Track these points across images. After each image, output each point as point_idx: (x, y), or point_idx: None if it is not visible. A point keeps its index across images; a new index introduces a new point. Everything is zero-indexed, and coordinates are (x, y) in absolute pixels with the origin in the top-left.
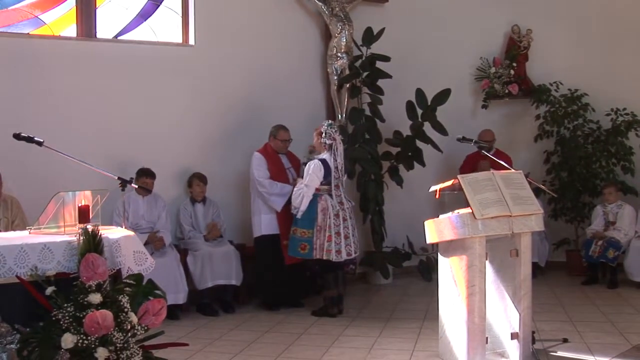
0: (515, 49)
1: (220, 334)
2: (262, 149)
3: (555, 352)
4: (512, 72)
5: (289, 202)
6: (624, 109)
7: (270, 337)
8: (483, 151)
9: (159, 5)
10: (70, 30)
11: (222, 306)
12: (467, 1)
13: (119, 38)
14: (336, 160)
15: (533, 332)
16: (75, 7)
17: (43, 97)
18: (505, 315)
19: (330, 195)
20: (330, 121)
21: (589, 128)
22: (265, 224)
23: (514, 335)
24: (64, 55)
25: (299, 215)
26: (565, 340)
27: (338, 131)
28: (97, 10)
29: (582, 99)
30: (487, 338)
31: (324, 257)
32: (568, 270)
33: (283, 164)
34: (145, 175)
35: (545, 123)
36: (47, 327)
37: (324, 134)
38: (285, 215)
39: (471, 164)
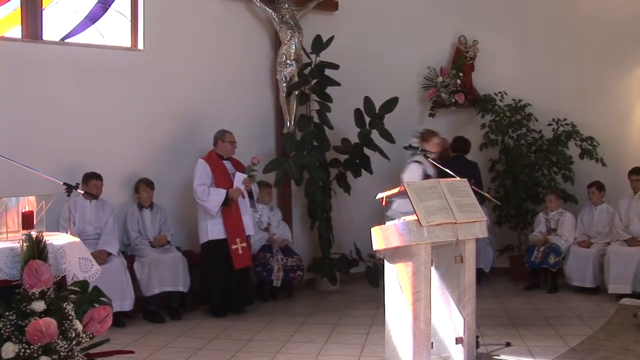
0: (462, 59)
1: (167, 341)
2: (207, 156)
3: (499, 355)
4: (458, 81)
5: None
6: (565, 120)
7: (218, 344)
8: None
9: (107, 9)
10: (15, 31)
11: (169, 313)
12: (415, 12)
13: (66, 41)
14: None
15: (477, 337)
16: (20, 8)
17: None
18: (450, 320)
19: None
20: None
21: (532, 137)
22: (212, 230)
23: (458, 340)
24: (8, 56)
25: None
26: (508, 344)
27: None
28: (44, 12)
29: (526, 109)
30: (432, 343)
31: None
32: (512, 275)
33: (227, 169)
34: (95, 178)
35: (490, 132)
36: None
37: None
38: (232, 220)
39: None
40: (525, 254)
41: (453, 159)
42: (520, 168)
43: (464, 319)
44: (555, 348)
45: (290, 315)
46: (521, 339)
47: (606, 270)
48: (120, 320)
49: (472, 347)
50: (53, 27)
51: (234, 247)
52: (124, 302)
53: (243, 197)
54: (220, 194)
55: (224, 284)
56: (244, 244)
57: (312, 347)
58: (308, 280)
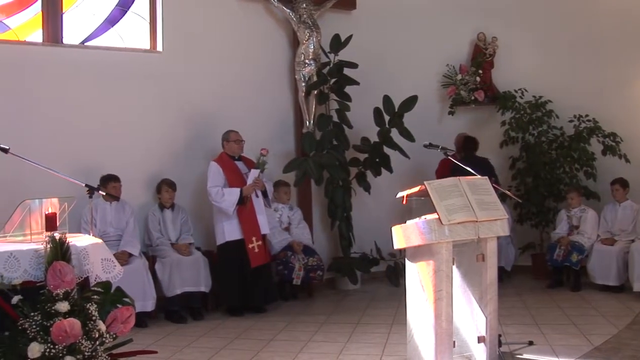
0: (481, 56)
1: (189, 341)
2: (218, 158)
3: (521, 354)
4: (478, 79)
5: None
6: (586, 116)
7: (239, 344)
8: (449, 157)
9: (126, 11)
10: (36, 36)
11: (190, 313)
12: (433, 9)
13: (86, 44)
14: None
15: (499, 336)
16: (41, 12)
17: (8, 103)
18: (472, 319)
19: None
20: None
21: (552, 134)
22: (228, 231)
23: (480, 339)
24: (29, 60)
25: None
26: (530, 343)
27: None
28: (64, 16)
29: (546, 106)
30: (454, 342)
31: None
32: (534, 274)
33: (239, 169)
34: (113, 180)
35: (510, 129)
36: (14, 337)
37: None
38: (247, 219)
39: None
40: (548, 252)
41: (464, 157)
42: (541, 165)
43: (486, 318)
44: (579, 347)
45: (311, 315)
46: (544, 337)
47: (631, 268)
48: (142, 320)
49: (494, 346)
50: (73, 31)
51: (250, 245)
52: (146, 302)
53: (257, 195)
54: (234, 194)
55: (240, 284)
56: (260, 242)
57: (334, 346)
58: (329, 279)
